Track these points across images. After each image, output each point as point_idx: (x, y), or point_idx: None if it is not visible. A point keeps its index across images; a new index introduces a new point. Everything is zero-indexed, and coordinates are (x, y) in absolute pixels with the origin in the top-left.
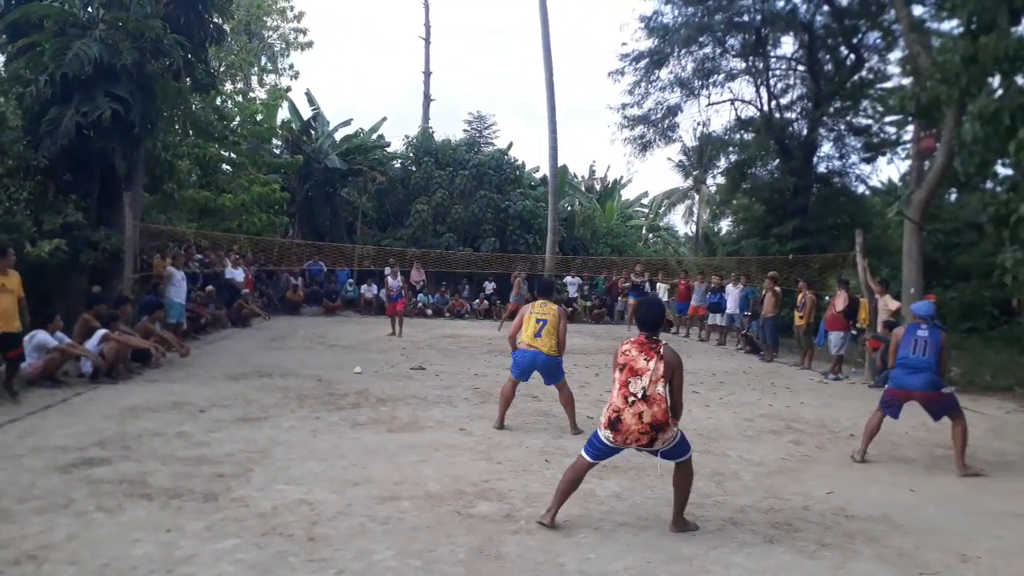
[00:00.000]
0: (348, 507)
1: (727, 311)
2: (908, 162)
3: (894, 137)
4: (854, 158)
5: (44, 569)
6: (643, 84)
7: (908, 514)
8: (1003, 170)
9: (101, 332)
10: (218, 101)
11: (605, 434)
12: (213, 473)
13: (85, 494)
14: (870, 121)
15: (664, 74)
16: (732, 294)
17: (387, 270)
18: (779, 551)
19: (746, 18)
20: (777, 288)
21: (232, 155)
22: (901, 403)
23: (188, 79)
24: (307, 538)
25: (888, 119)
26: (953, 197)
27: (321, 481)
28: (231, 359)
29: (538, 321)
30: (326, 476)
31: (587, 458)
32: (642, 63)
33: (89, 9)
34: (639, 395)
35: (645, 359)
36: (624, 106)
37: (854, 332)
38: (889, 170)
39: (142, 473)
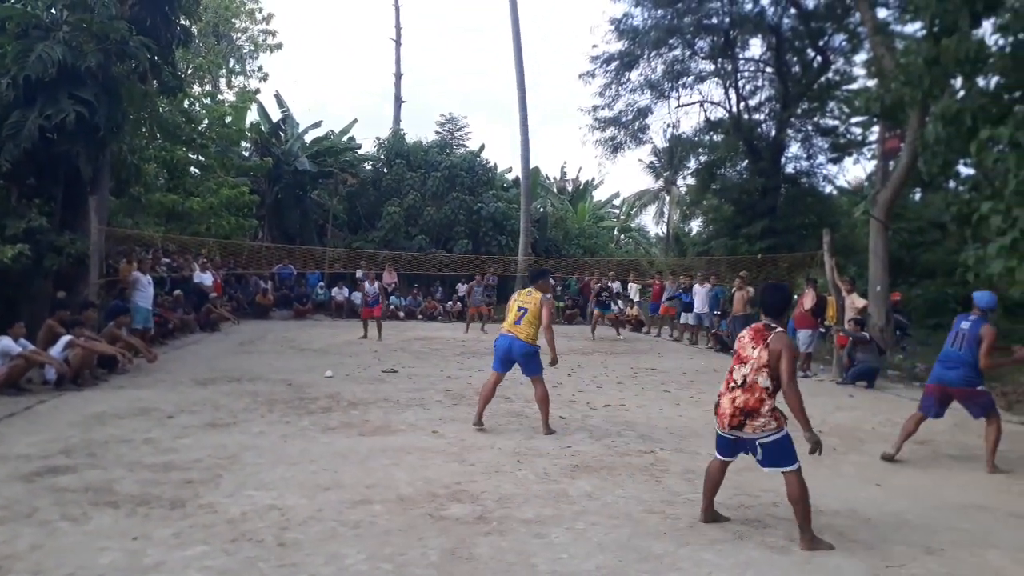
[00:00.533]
0: (319, 512)
1: (695, 310)
2: (874, 162)
3: (860, 138)
4: (821, 158)
5: None
6: (614, 86)
7: (875, 508)
8: (965, 170)
9: (66, 338)
10: (186, 104)
11: (715, 422)
12: (181, 479)
13: (49, 503)
14: (837, 122)
15: (634, 76)
16: (699, 293)
17: (360, 273)
18: (748, 547)
19: (715, 20)
20: (749, 288)
21: (200, 158)
22: (937, 399)
23: (155, 81)
24: (277, 543)
25: (854, 120)
26: (917, 196)
27: (291, 486)
28: (199, 364)
29: (519, 309)
30: (296, 481)
31: (715, 456)
32: (612, 65)
33: (52, 11)
34: (739, 382)
35: (753, 347)
36: (595, 108)
37: (822, 330)
38: (855, 170)
39: (108, 480)
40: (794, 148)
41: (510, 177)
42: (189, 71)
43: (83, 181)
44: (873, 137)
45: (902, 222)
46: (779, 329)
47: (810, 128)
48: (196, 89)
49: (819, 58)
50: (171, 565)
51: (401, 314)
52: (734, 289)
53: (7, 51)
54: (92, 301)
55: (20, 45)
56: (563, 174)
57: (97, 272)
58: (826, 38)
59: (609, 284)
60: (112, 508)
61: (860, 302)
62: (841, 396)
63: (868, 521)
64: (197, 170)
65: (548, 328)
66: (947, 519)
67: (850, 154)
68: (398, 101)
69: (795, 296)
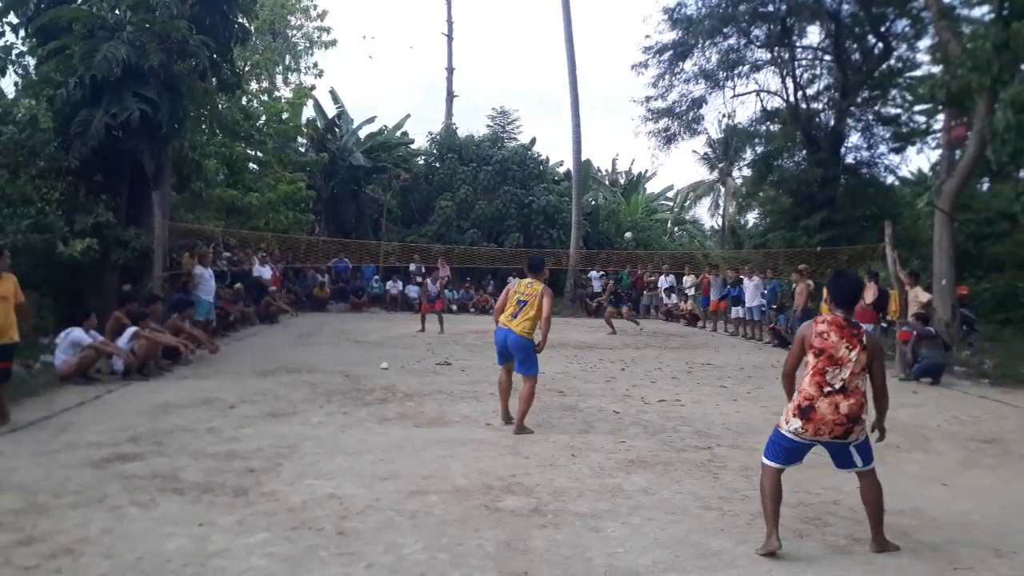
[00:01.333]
0: (376, 501)
1: (746, 304)
2: (938, 151)
3: (924, 126)
4: (883, 148)
5: (80, 562)
6: (667, 76)
7: (941, 508)
8: None
9: (132, 330)
10: (244, 100)
11: (793, 426)
12: (243, 468)
13: (119, 489)
14: (899, 110)
15: (688, 66)
16: (749, 287)
17: (413, 267)
18: (809, 545)
19: (771, 8)
20: (809, 281)
21: (258, 154)
22: None
23: (214, 79)
24: (336, 532)
25: (917, 108)
26: (985, 186)
27: (350, 476)
28: (259, 356)
29: (519, 302)
30: (354, 471)
31: (772, 464)
32: (666, 55)
33: (117, 12)
34: (836, 386)
35: (847, 348)
36: (648, 99)
37: (884, 325)
38: (919, 160)
39: (174, 468)
40: (854, 138)
41: (561, 170)
42: (247, 68)
43: (147, 177)
44: (938, 125)
45: (969, 213)
46: (865, 326)
47: (871, 117)
48: (253, 86)
49: (880, 44)
50: (235, 551)
51: (454, 307)
52: (793, 283)
53: (74, 51)
54: (157, 294)
55: (86, 46)
56: (615, 166)
57: (161, 265)
58: (888, 24)
59: (618, 278)
60: (178, 495)
61: (924, 296)
62: (904, 393)
63: (934, 521)
64: (255, 166)
65: (547, 320)
66: (1017, 521)
67: (913, 143)
68: (450, 96)
69: None
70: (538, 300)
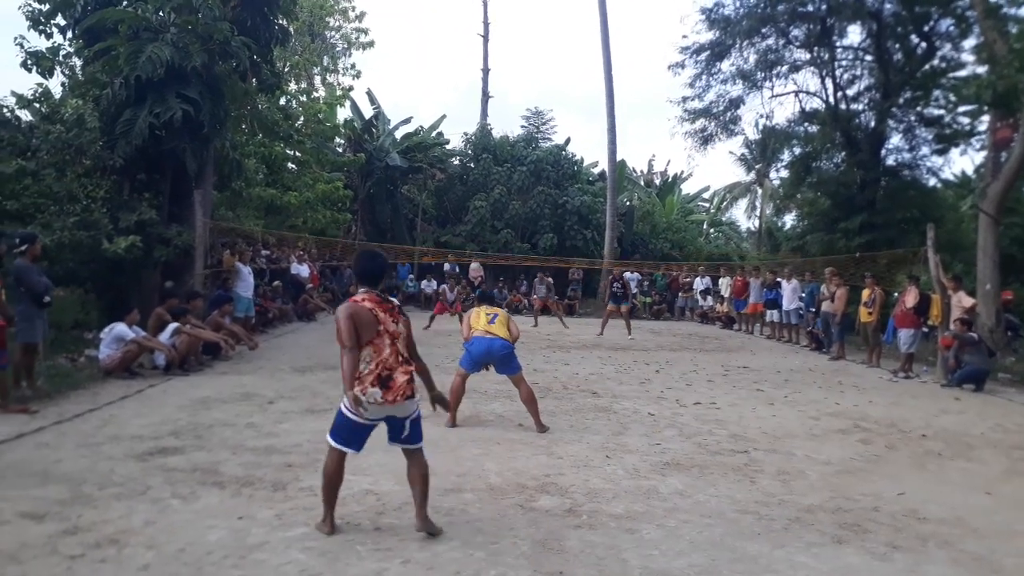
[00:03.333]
0: (412, 498)
1: (783, 307)
2: (983, 153)
3: (968, 128)
4: (925, 150)
5: (124, 552)
6: (704, 77)
7: (983, 518)
8: None
9: (173, 326)
10: (283, 101)
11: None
12: (282, 463)
13: (161, 481)
14: (942, 111)
15: (726, 66)
16: (786, 290)
17: (447, 266)
18: (848, 552)
19: (810, 8)
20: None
21: (297, 154)
22: None
23: (254, 80)
24: (374, 527)
25: (961, 109)
26: None
27: (386, 472)
28: (297, 352)
29: (488, 314)
30: (391, 467)
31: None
32: (703, 55)
33: (161, 13)
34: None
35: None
36: (685, 99)
37: (925, 329)
38: (962, 162)
39: (214, 462)
40: (895, 139)
41: (596, 171)
42: (286, 69)
43: (189, 176)
44: (983, 127)
45: (1014, 216)
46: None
47: (913, 118)
48: (292, 87)
49: (923, 44)
50: (274, 544)
51: None
52: (833, 287)
53: (120, 52)
54: (197, 291)
55: (132, 47)
56: (651, 167)
57: (202, 263)
58: (932, 23)
59: (624, 275)
60: (218, 488)
61: (968, 301)
62: (946, 399)
63: (976, 531)
64: (294, 165)
65: (516, 336)
66: None
67: (957, 145)
68: (485, 96)
69: (895, 294)
70: (507, 317)
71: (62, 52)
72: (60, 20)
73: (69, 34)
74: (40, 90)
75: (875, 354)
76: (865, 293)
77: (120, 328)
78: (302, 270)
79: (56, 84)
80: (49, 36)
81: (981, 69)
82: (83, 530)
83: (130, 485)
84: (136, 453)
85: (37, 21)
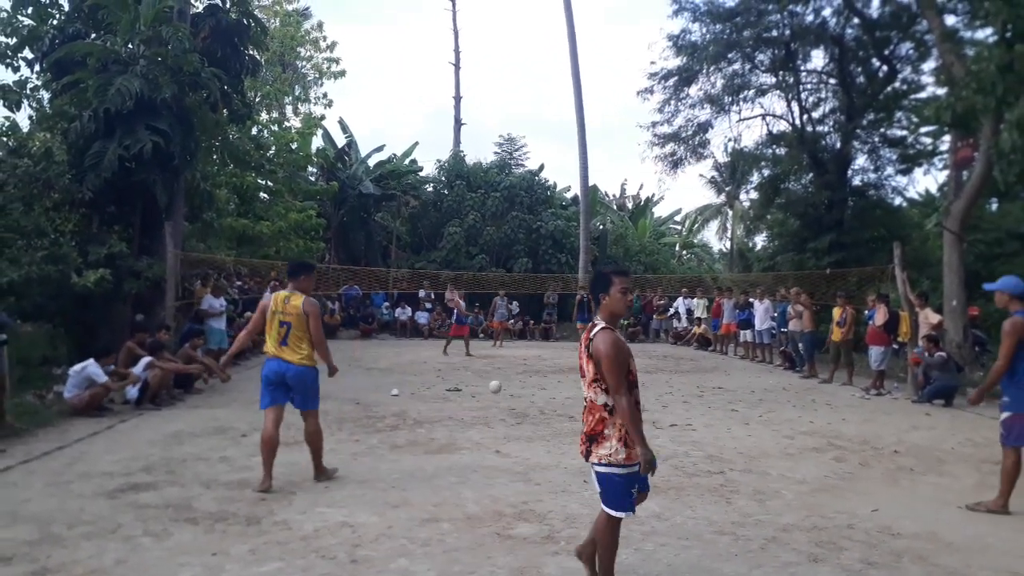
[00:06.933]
0: (389, 529)
1: (755, 327)
2: (946, 172)
3: (930, 148)
4: (889, 170)
5: None
6: (672, 102)
7: (956, 531)
8: None
9: (146, 359)
10: (254, 131)
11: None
12: (256, 497)
13: (132, 519)
14: (905, 132)
15: (693, 91)
16: (759, 310)
17: (422, 293)
18: (823, 570)
19: (775, 33)
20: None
21: (269, 183)
22: None
23: (225, 110)
24: (349, 560)
25: (923, 130)
26: (994, 206)
27: (362, 504)
28: None
29: (281, 324)
30: (366, 499)
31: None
32: (671, 81)
33: (130, 46)
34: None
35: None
36: (654, 124)
37: (895, 346)
38: (926, 181)
39: (187, 497)
40: (861, 160)
41: (569, 195)
42: (257, 99)
43: (159, 208)
44: (944, 147)
45: (978, 233)
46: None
47: (877, 139)
48: (264, 116)
49: (885, 68)
50: None
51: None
52: (799, 306)
53: (88, 85)
54: (167, 324)
55: (100, 79)
56: (623, 191)
57: (173, 295)
58: (892, 47)
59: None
60: (191, 524)
61: (935, 318)
62: (917, 415)
63: (950, 545)
64: (266, 195)
65: (321, 343)
66: None
67: (920, 165)
68: (458, 123)
69: (866, 312)
70: (303, 319)
71: (30, 85)
72: (28, 53)
73: (37, 67)
74: (7, 124)
75: (848, 372)
76: (836, 312)
77: (93, 369)
78: None
79: (24, 118)
80: (16, 69)
81: (940, 91)
82: (52, 571)
83: (100, 524)
84: (106, 490)
85: (4, 55)
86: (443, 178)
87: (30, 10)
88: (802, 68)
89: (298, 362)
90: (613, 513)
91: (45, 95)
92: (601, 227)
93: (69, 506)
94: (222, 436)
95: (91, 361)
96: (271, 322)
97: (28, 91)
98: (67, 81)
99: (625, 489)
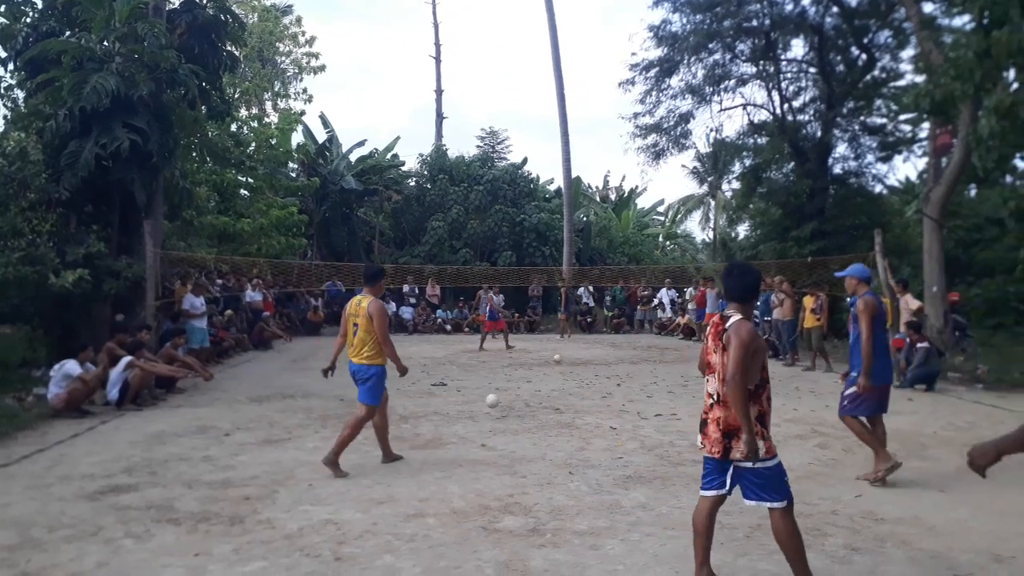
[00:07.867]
0: (374, 525)
1: None
2: (925, 160)
3: (910, 135)
4: (870, 158)
5: None
6: (654, 93)
7: (939, 515)
8: (1022, 164)
9: (127, 359)
10: (234, 127)
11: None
12: (239, 496)
13: (114, 521)
14: (885, 120)
15: (675, 82)
16: None
17: (407, 288)
18: (809, 556)
19: (755, 23)
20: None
21: (249, 180)
22: None
23: (204, 107)
24: (334, 558)
25: (903, 117)
26: (973, 193)
27: (346, 501)
28: (254, 382)
29: (354, 325)
30: (351, 495)
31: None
32: (652, 72)
33: (105, 43)
34: (715, 397)
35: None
36: (636, 115)
37: None
38: (906, 168)
39: (169, 498)
40: (841, 148)
41: (552, 188)
42: (236, 95)
43: (138, 206)
44: (923, 134)
45: (957, 219)
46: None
47: (857, 127)
48: (243, 113)
49: (864, 56)
50: None
51: (448, 327)
52: (781, 294)
53: (63, 83)
54: (147, 323)
55: (76, 77)
56: (606, 183)
57: (153, 294)
58: (870, 35)
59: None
60: (174, 525)
61: (915, 303)
62: (900, 400)
63: (933, 528)
64: (247, 192)
65: (385, 342)
66: (1015, 525)
67: (900, 152)
68: (439, 117)
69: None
70: (368, 320)
71: (3, 84)
72: (1, 52)
73: (11, 66)
74: None
75: (825, 359)
76: (808, 300)
77: (70, 365)
78: (256, 297)
79: None
80: None
81: (919, 78)
82: (32, 575)
83: (81, 526)
84: (87, 493)
85: None
86: (426, 172)
87: (3, 8)
88: (782, 57)
89: (363, 360)
90: (785, 504)
91: (19, 94)
92: (585, 219)
93: (49, 509)
94: (204, 436)
95: (69, 360)
96: (347, 325)
97: (2, 90)
98: (42, 79)
99: (783, 471)
